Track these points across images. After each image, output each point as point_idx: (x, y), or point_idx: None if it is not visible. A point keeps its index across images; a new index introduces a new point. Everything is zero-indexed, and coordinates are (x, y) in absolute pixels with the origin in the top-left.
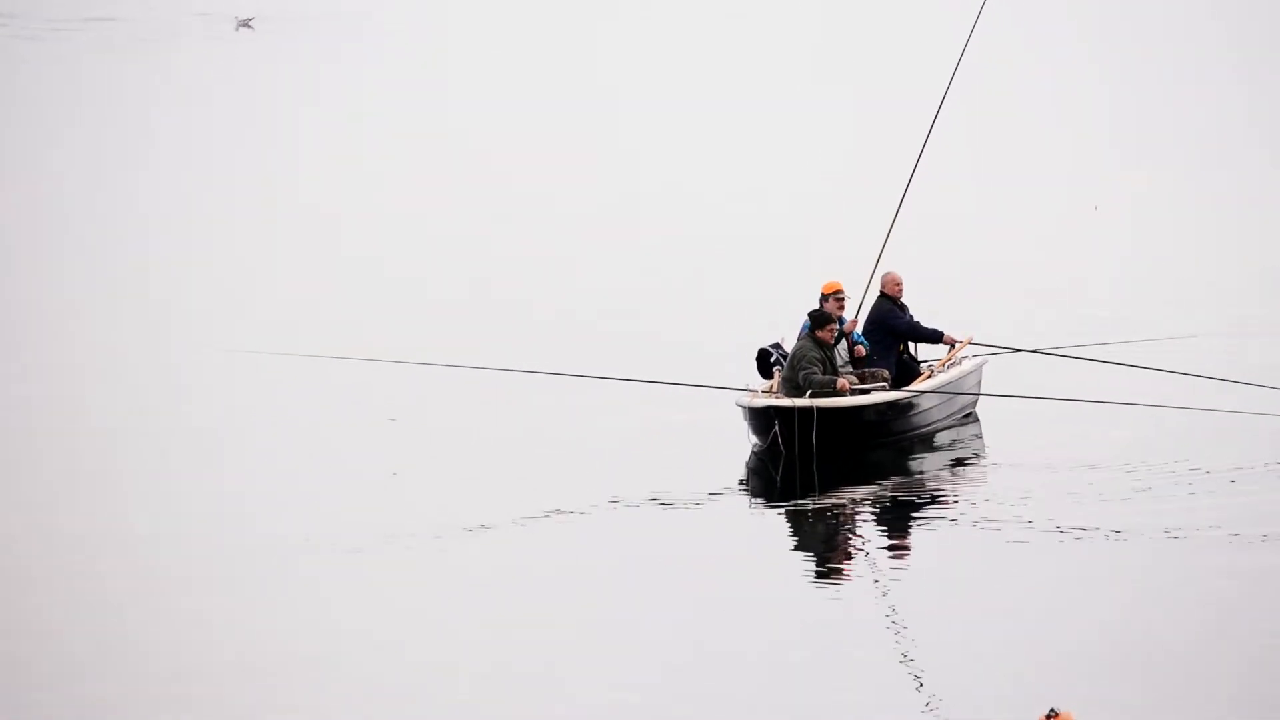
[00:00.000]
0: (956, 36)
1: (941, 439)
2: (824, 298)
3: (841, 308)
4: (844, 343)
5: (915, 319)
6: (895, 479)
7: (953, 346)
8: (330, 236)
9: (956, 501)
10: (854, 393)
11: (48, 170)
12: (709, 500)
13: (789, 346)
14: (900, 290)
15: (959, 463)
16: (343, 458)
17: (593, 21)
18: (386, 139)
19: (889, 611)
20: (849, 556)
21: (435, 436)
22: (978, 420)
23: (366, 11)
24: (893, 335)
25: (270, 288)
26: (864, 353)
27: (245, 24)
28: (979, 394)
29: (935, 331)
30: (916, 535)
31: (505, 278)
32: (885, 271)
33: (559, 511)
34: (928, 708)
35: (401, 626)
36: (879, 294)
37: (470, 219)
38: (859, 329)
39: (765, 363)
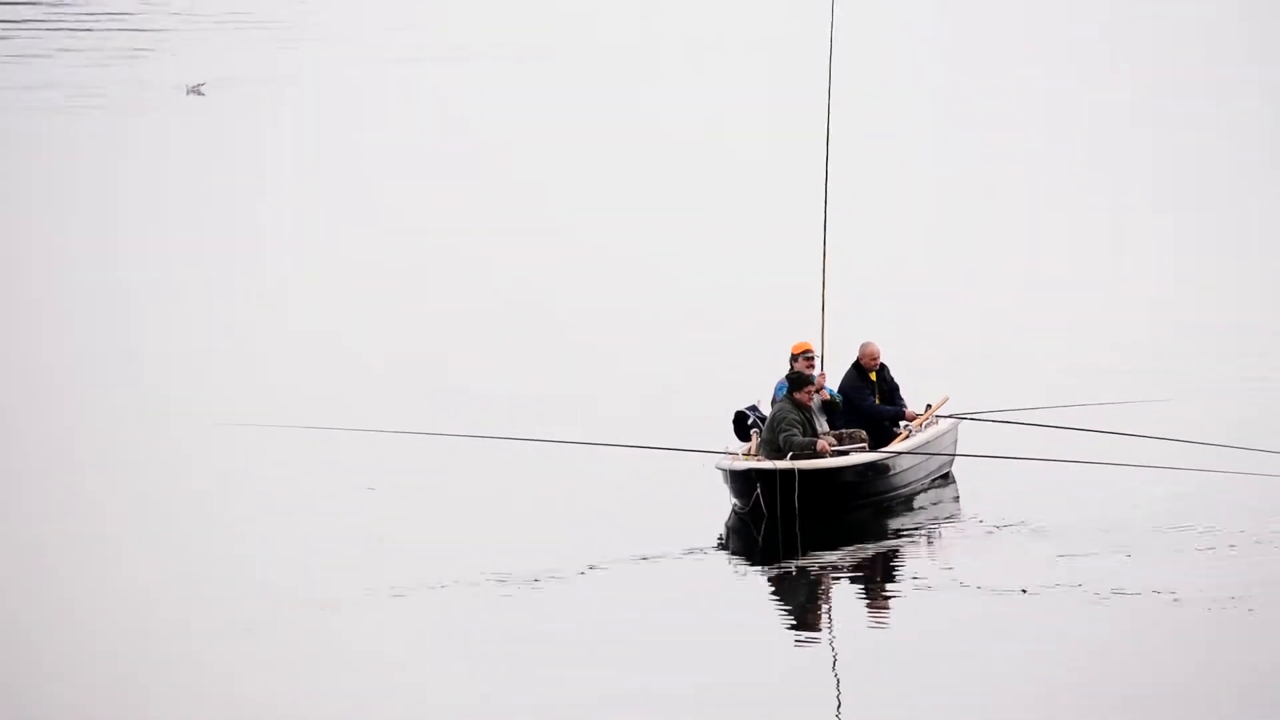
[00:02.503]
0: (918, 83)
1: (920, 499)
2: (794, 358)
3: (811, 366)
4: (818, 397)
5: (895, 384)
6: (876, 540)
7: (926, 409)
8: (294, 304)
9: (937, 562)
10: (834, 454)
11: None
12: (691, 562)
13: (765, 409)
14: (874, 363)
15: (937, 523)
16: (326, 526)
17: (547, 81)
18: (340, 203)
19: (873, 673)
20: (833, 617)
21: (416, 503)
22: (954, 480)
23: (319, 74)
24: (856, 412)
25: (230, 358)
26: (834, 401)
27: (196, 90)
28: (955, 454)
29: (897, 411)
30: (899, 596)
31: (477, 342)
32: (865, 342)
33: (542, 576)
34: None
35: (388, 693)
36: (853, 363)
37: (436, 284)
38: (829, 383)
39: (743, 425)
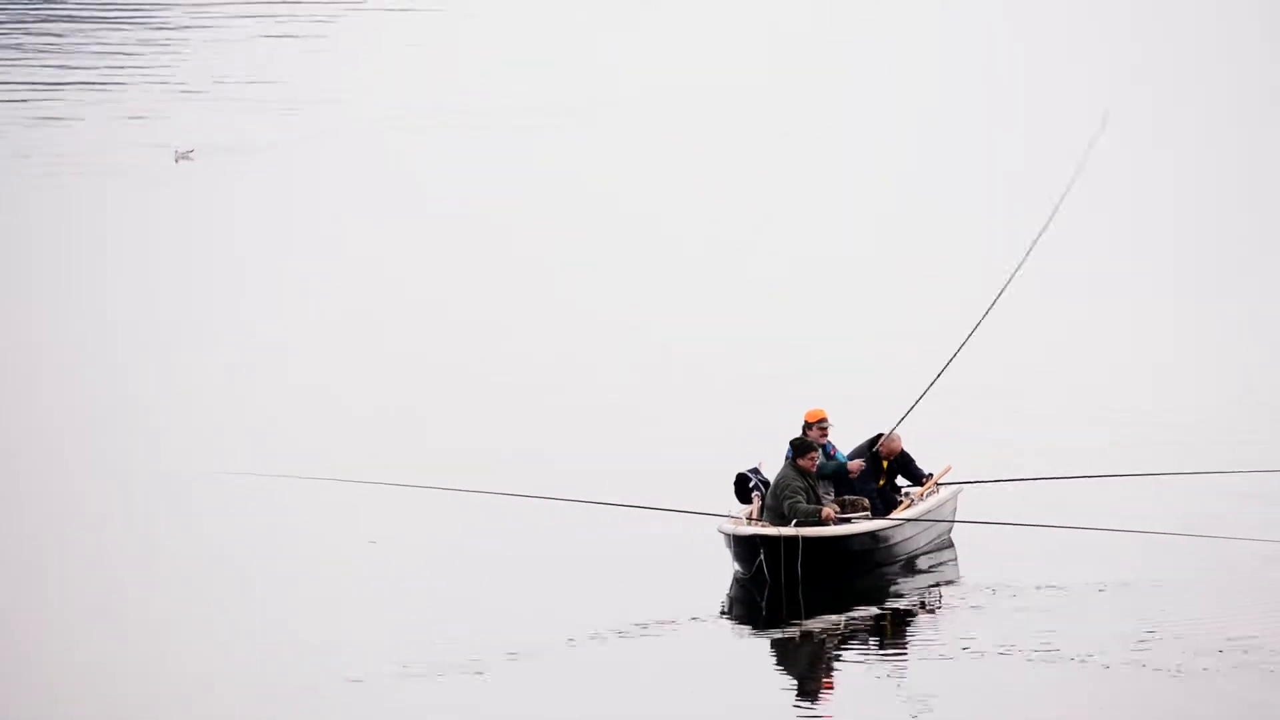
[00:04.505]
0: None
1: (921, 565)
2: (808, 425)
3: (825, 435)
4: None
5: (910, 459)
6: (879, 606)
7: (928, 478)
8: (285, 356)
9: (939, 629)
10: (837, 521)
11: None
12: (693, 628)
13: (767, 472)
14: (891, 455)
15: (939, 589)
16: (327, 582)
17: (537, 130)
18: (329, 258)
19: None
20: (836, 685)
21: (414, 560)
22: (953, 546)
23: (308, 139)
24: (841, 479)
25: (228, 410)
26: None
27: (185, 156)
28: (955, 521)
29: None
30: (902, 663)
31: (474, 398)
32: (893, 436)
33: (541, 645)
34: None
35: None
36: (871, 444)
37: (428, 339)
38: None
39: (744, 488)
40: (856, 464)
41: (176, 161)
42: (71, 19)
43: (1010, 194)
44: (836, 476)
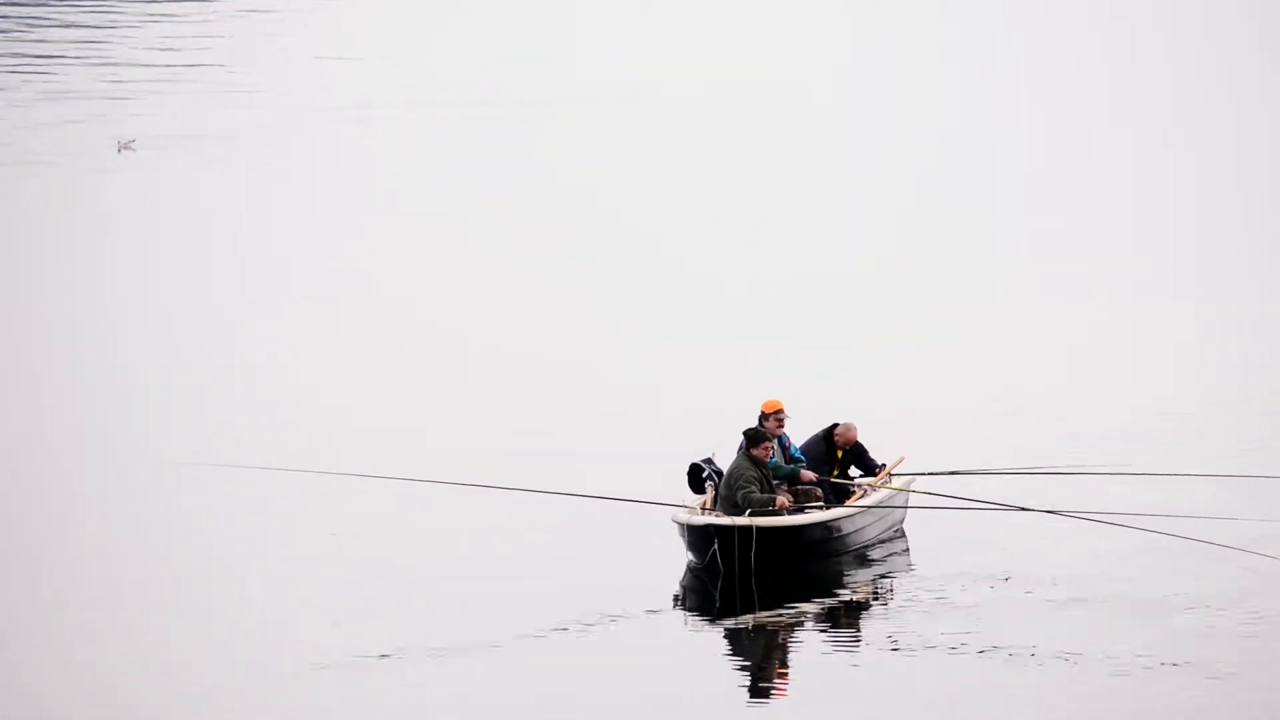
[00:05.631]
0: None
1: (874, 555)
2: (764, 416)
3: (781, 426)
4: (781, 458)
5: (863, 449)
6: (831, 596)
7: (882, 469)
8: (239, 345)
9: (893, 620)
10: (791, 511)
11: None
12: (647, 618)
13: (720, 462)
14: (848, 445)
15: (891, 577)
16: (285, 573)
17: (491, 135)
18: (279, 249)
19: None
20: (789, 674)
21: (371, 551)
22: (905, 537)
23: (256, 130)
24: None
25: (175, 399)
26: (798, 464)
27: (127, 146)
28: (907, 508)
29: (794, 471)
30: (854, 654)
31: (432, 389)
32: (848, 425)
33: (494, 635)
34: None
35: None
36: (826, 433)
37: (395, 331)
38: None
39: (697, 477)
40: (808, 475)
41: (119, 152)
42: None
43: (999, 193)
44: (789, 481)
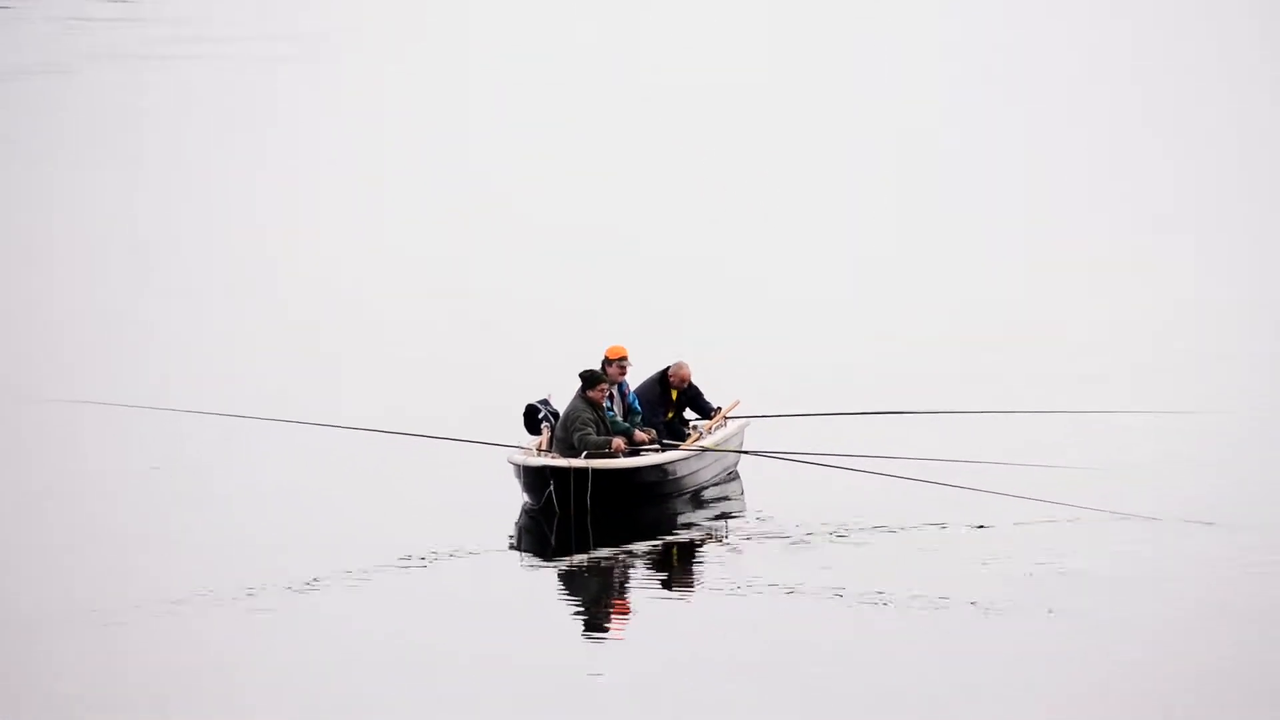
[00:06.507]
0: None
1: (709, 496)
2: (607, 361)
3: (623, 373)
4: (619, 404)
5: (698, 392)
6: (666, 536)
7: (717, 411)
8: (97, 276)
9: (727, 562)
10: (627, 454)
11: None
12: (482, 558)
13: (556, 403)
14: (683, 384)
15: (725, 519)
16: (107, 507)
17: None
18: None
19: (661, 668)
20: (624, 613)
21: (199, 487)
22: (740, 479)
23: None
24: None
25: (26, 334)
26: (635, 414)
27: None
28: (741, 452)
29: (627, 428)
30: (688, 592)
31: (275, 328)
32: (680, 363)
33: (324, 575)
34: None
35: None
36: (659, 375)
37: (241, 263)
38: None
39: (533, 418)
40: (640, 435)
41: None
42: None
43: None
44: (624, 436)
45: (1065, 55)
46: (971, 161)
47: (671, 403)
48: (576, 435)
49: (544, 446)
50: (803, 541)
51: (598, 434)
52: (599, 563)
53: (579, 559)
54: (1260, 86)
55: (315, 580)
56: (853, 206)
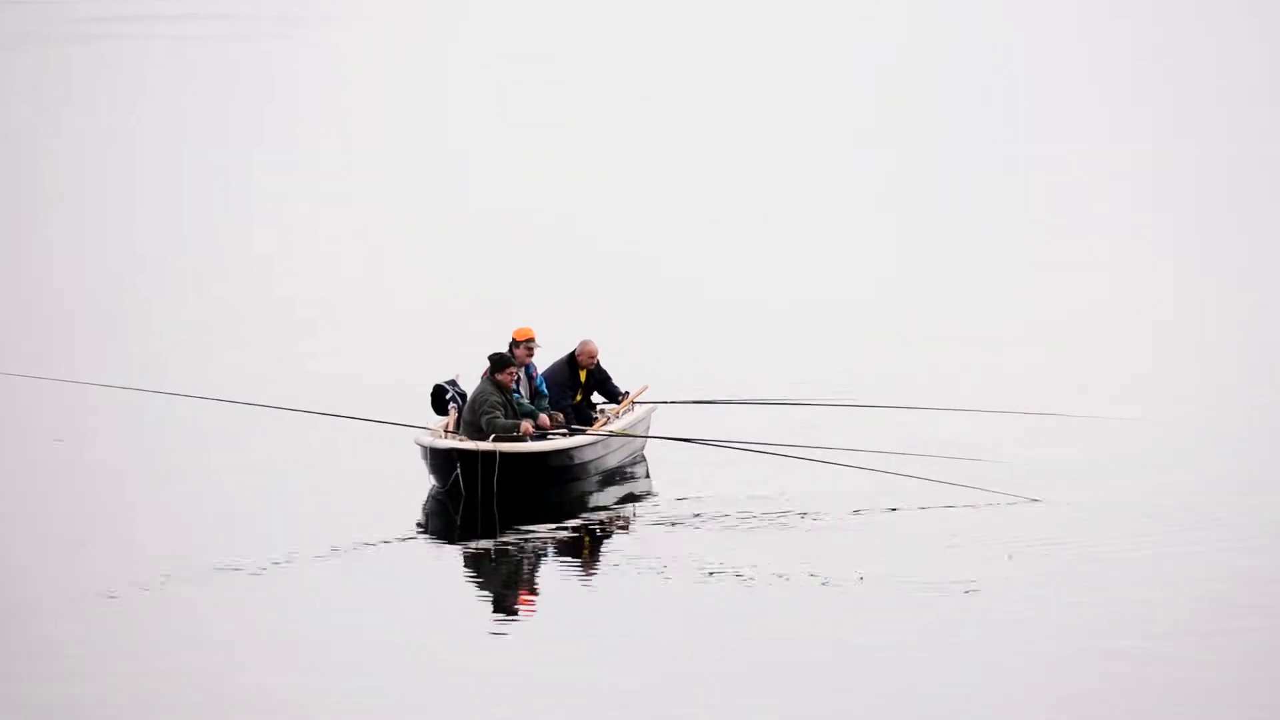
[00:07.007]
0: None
1: (616, 480)
2: (514, 343)
3: (530, 355)
4: (526, 387)
5: (607, 376)
6: (573, 519)
7: (625, 396)
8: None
9: (634, 545)
10: (535, 437)
11: None
12: (387, 542)
13: (464, 384)
14: (591, 362)
15: (632, 503)
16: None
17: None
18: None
19: (568, 650)
20: (530, 597)
21: (101, 464)
22: (646, 463)
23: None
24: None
25: None
26: (543, 396)
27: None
28: (648, 437)
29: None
30: (595, 579)
31: (185, 301)
32: (586, 340)
33: (232, 554)
34: None
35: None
36: (567, 356)
37: (141, 238)
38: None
39: (441, 399)
40: (545, 420)
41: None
42: None
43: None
44: (531, 419)
45: (1065, 55)
46: (969, 162)
47: (580, 385)
48: (484, 418)
49: (450, 428)
50: (707, 525)
51: (505, 417)
52: (505, 546)
53: (485, 542)
54: (1261, 86)
55: (211, 563)
56: (852, 207)
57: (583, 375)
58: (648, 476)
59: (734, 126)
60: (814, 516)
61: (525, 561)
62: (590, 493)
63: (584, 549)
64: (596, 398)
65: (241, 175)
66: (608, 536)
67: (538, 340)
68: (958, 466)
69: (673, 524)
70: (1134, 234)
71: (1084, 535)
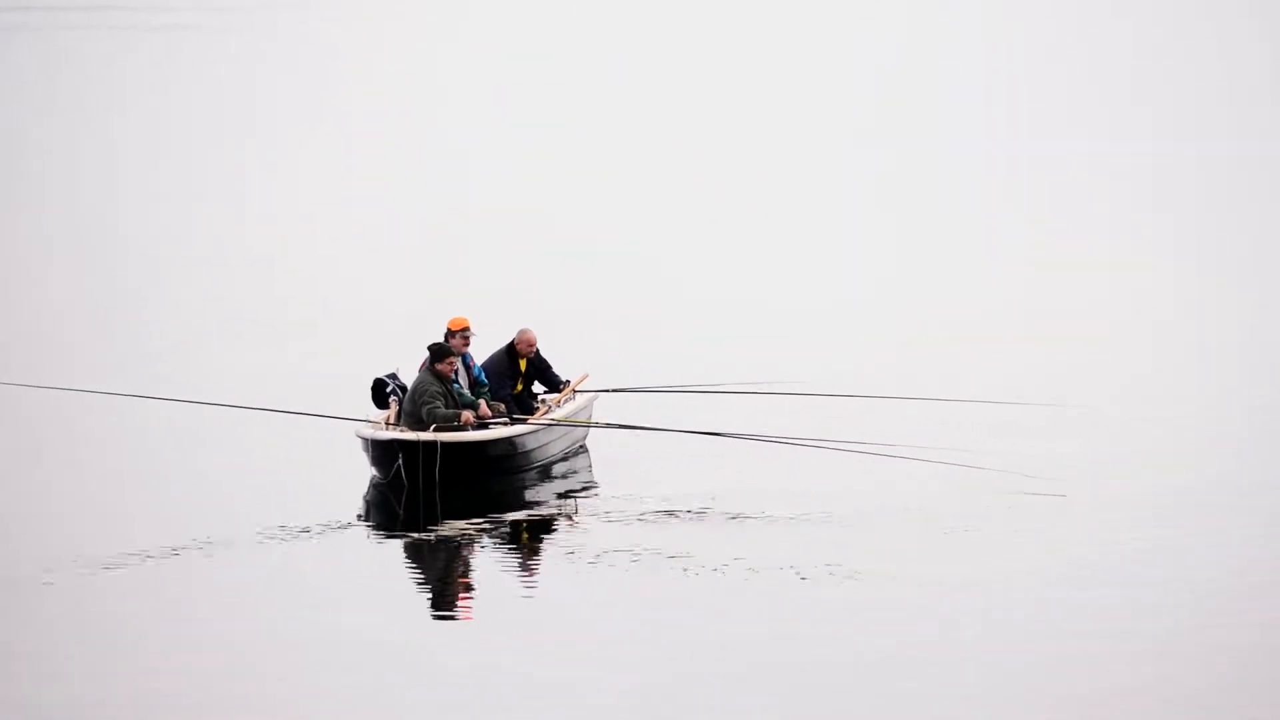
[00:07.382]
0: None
1: (557, 470)
2: (450, 333)
3: (466, 344)
4: (465, 377)
5: (547, 365)
6: (515, 510)
7: (566, 385)
8: None
9: (576, 536)
10: (476, 427)
11: None
12: (329, 533)
13: (404, 377)
14: (530, 350)
15: (574, 492)
16: None
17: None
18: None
19: (509, 641)
20: (472, 591)
21: (34, 461)
22: (588, 452)
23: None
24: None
25: None
26: (482, 387)
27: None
28: (590, 426)
29: (473, 401)
30: (537, 569)
31: (127, 298)
32: (525, 329)
33: (172, 547)
34: None
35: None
36: (506, 346)
37: (141, 238)
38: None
39: (381, 392)
40: (485, 411)
41: None
42: None
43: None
44: (471, 409)
45: (1065, 55)
46: (969, 162)
47: (520, 374)
48: (425, 409)
49: (391, 420)
50: (650, 514)
51: (446, 407)
52: (447, 537)
53: (427, 533)
54: (1261, 86)
55: (153, 555)
56: (852, 206)
57: (522, 364)
58: (590, 466)
59: (734, 126)
60: (754, 506)
61: (466, 552)
62: (532, 482)
63: (524, 539)
64: (538, 387)
65: (241, 174)
66: (549, 526)
67: (473, 329)
68: (924, 457)
69: (614, 513)
70: (1134, 234)
71: (1084, 535)
